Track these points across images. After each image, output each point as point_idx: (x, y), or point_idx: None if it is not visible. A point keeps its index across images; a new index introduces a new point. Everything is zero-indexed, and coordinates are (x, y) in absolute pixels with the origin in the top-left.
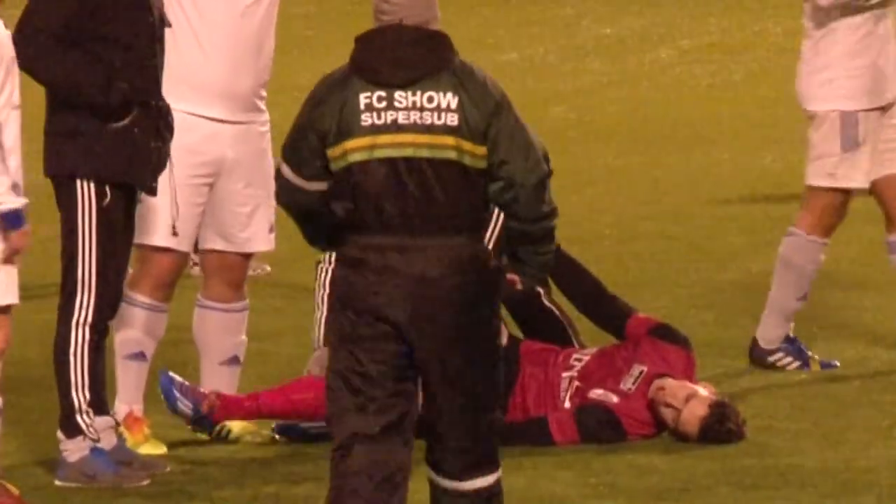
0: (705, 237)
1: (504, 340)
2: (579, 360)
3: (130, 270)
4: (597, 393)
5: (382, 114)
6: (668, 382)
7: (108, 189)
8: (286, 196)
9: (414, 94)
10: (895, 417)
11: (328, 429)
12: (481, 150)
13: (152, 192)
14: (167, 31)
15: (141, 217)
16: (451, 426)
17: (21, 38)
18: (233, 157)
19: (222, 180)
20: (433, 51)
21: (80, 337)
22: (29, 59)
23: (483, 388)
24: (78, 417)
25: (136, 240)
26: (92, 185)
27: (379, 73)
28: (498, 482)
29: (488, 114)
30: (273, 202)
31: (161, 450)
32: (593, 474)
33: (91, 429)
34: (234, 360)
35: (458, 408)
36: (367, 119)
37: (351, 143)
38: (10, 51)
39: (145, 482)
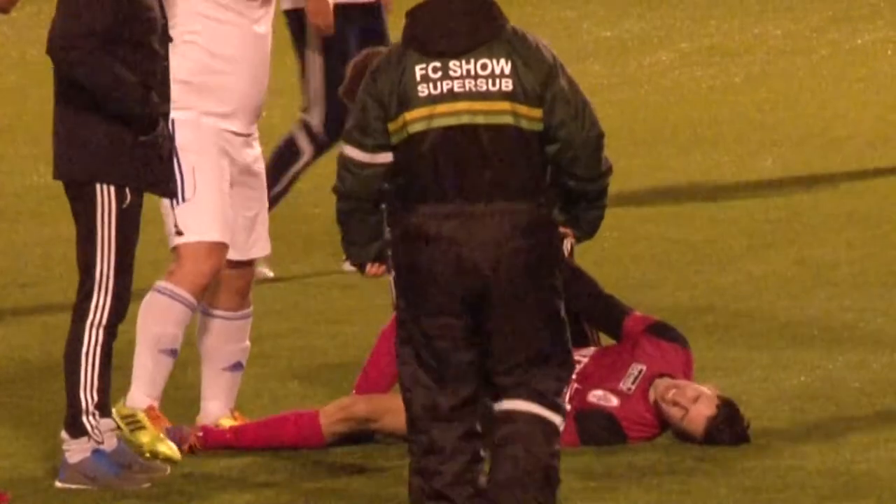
0: (705, 240)
1: None
2: (578, 361)
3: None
4: (596, 395)
5: (438, 84)
6: (680, 382)
7: (127, 192)
8: (350, 179)
9: (468, 63)
10: (895, 420)
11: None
12: (537, 112)
13: (172, 194)
14: (187, 44)
15: (190, 215)
16: (519, 386)
17: (65, 42)
18: (242, 163)
19: (235, 187)
20: (484, 19)
21: (93, 338)
22: (73, 63)
23: (550, 348)
24: (84, 418)
25: (188, 238)
26: (112, 188)
27: (432, 44)
28: (559, 429)
29: (543, 77)
30: (267, 203)
31: (175, 452)
32: (594, 477)
33: (96, 430)
34: (237, 366)
35: (524, 371)
36: (423, 90)
37: (410, 115)
38: None
39: (145, 485)
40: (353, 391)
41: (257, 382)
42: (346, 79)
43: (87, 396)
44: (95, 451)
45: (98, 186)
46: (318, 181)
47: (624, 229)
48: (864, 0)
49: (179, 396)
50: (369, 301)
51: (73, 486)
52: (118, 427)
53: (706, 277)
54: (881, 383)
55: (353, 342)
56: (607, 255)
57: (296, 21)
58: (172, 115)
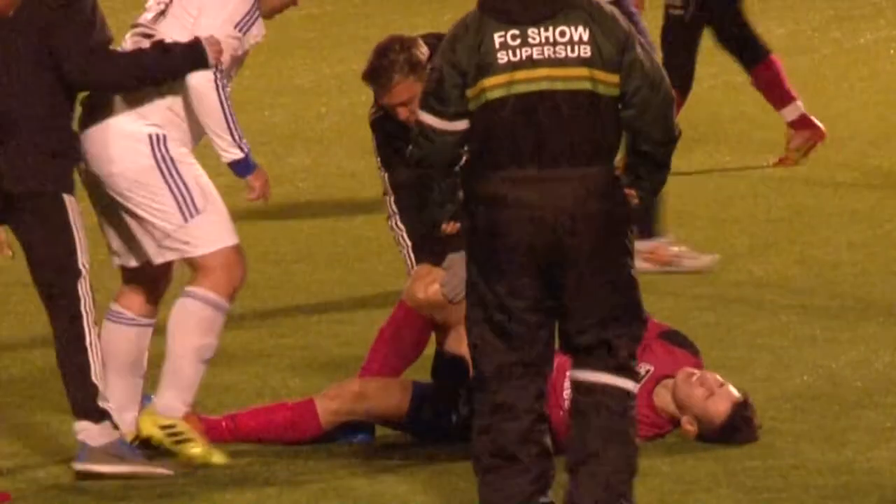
0: (707, 239)
1: None
2: None
3: (198, 274)
4: None
5: (517, 51)
6: (702, 371)
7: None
8: (427, 145)
9: (546, 30)
10: None
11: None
12: (614, 78)
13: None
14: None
15: (207, 223)
16: (594, 344)
17: (96, 58)
18: None
19: None
20: None
21: (91, 326)
22: (108, 73)
23: (624, 306)
24: (101, 402)
25: (212, 247)
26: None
27: (511, 12)
28: (634, 395)
29: (620, 44)
30: None
31: (224, 458)
32: None
33: (114, 413)
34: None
35: (599, 331)
36: (503, 57)
37: (488, 81)
38: None
39: (171, 472)
40: None
41: (259, 381)
42: (368, 61)
43: (98, 381)
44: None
45: (66, 197)
46: (318, 181)
47: None
48: None
49: None
50: (371, 300)
51: (95, 468)
52: (136, 437)
53: (707, 277)
54: (883, 383)
55: (355, 341)
56: None
57: None
58: (160, 132)
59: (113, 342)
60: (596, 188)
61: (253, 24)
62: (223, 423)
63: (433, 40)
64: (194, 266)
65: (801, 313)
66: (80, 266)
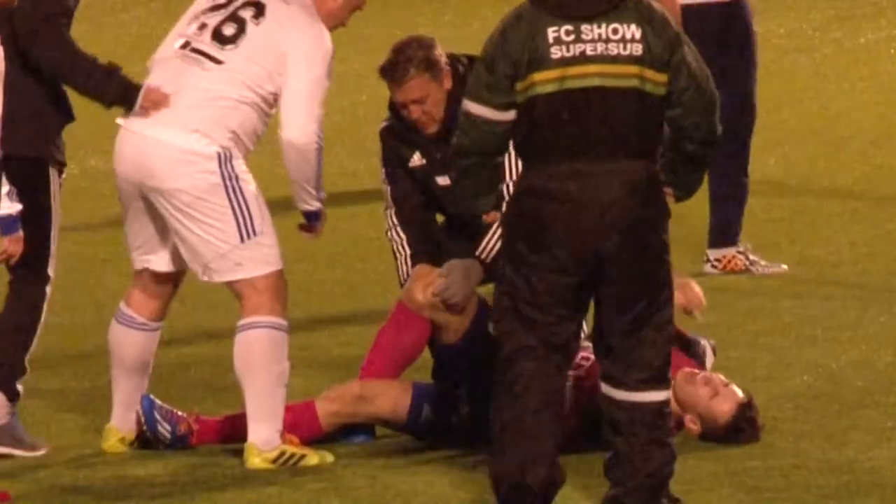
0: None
1: None
2: (587, 359)
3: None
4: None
5: (571, 46)
6: (704, 371)
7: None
8: (475, 135)
9: (599, 27)
10: None
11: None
12: (663, 77)
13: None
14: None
15: (263, 245)
16: (627, 343)
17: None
18: None
19: None
20: None
21: (44, 306)
22: (49, 44)
23: (659, 306)
24: (19, 384)
25: (263, 270)
26: (55, 169)
27: (566, 7)
28: (668, 401)
29: (670, 44)
30: None
31: (329, 455)
32: (595, 476)
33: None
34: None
35: (634, 328)
36: (556, 52)
37: (539, 76)
38: None
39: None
40: None
41: None
42: (387, 57)
43: (26, 362)
44: (13, 415)
45: (49, 167)
46: None
47: None
48: None
49: (182, 396)
50: (371, 301)
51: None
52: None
53: (707, 277)
54: (884, 382)
55: (356, 342)
56: None
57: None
58: (227, 150)
59: (124, 346)
60: (639, 184)
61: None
62: (223, 425)
63: (464, 60)
64: (238, 287)
65: (801, 313)
66: (52, 248)
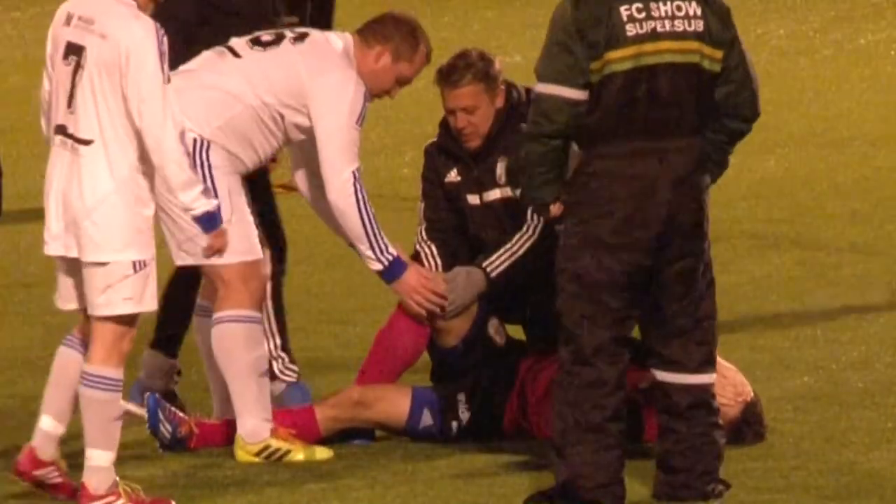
0: None
1: (501, 341)
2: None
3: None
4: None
5: (643, 24)
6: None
7: None
8: (560, 118)
9: (665, 4)
10: None
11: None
12: (719, 54)
13: None
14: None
15: (232, 235)
16: (689, 323)
17: None
18: None
19: None
20: None
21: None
22: None
23: (707, 283)
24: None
25: (232, 259)
26: None
27: None
28: (713, 384)
29: (725, 21)
30: None
31: (327, 453)
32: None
33: None
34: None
35: (693, 306)
36: (631, 30)
37: (615, 54)
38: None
39: None
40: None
41: None
42: (448, 61)
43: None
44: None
45: None
46: None
47: None
48: (867, 0)
49: (183, 397)
50: (372, 301)
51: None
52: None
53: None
54: (884, 383)
55: (357, 342)
56: None
57: None
58: (206, 138)
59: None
60: (700, 159)
61: (366, 114)
62: (223, 427)
63: (520, 88)
64: (210, 276)
65: (801, 314)
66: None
